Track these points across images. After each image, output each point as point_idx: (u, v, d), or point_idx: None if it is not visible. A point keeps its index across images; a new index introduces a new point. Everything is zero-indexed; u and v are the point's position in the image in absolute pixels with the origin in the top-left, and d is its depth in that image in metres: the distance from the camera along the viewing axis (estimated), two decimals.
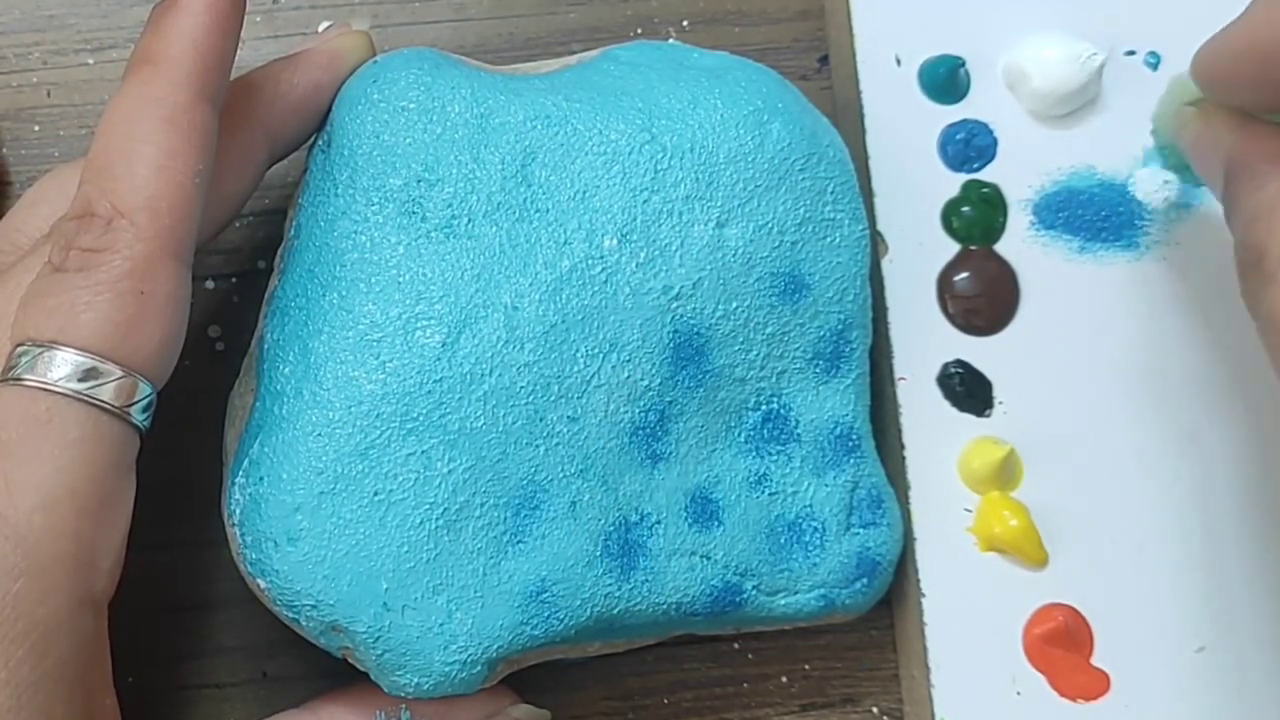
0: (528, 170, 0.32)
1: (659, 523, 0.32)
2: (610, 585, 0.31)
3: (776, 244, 0.33)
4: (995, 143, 0.37)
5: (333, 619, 0.30)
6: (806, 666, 0.37)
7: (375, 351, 0.31)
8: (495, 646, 0.31)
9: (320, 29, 0.38)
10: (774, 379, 0.33)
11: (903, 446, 0.36)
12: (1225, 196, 0.29)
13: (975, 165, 0.37)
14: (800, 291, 0.33)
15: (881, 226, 0.37)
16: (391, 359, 0.31)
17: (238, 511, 0.31)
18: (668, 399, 0.32)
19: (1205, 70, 0.30)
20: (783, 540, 0.33)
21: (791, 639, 0.37)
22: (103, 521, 0.27)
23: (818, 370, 0.33)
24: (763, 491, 0.33)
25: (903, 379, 0.36)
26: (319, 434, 0.30)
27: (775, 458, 0.33)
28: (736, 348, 0.32)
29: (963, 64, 0.37)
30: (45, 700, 0.26)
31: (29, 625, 0.26)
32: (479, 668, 0.31)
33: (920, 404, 0.36)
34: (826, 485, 0.33)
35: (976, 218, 0.37)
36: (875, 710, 0.37)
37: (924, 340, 0.36)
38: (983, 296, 0.36)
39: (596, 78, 0.33)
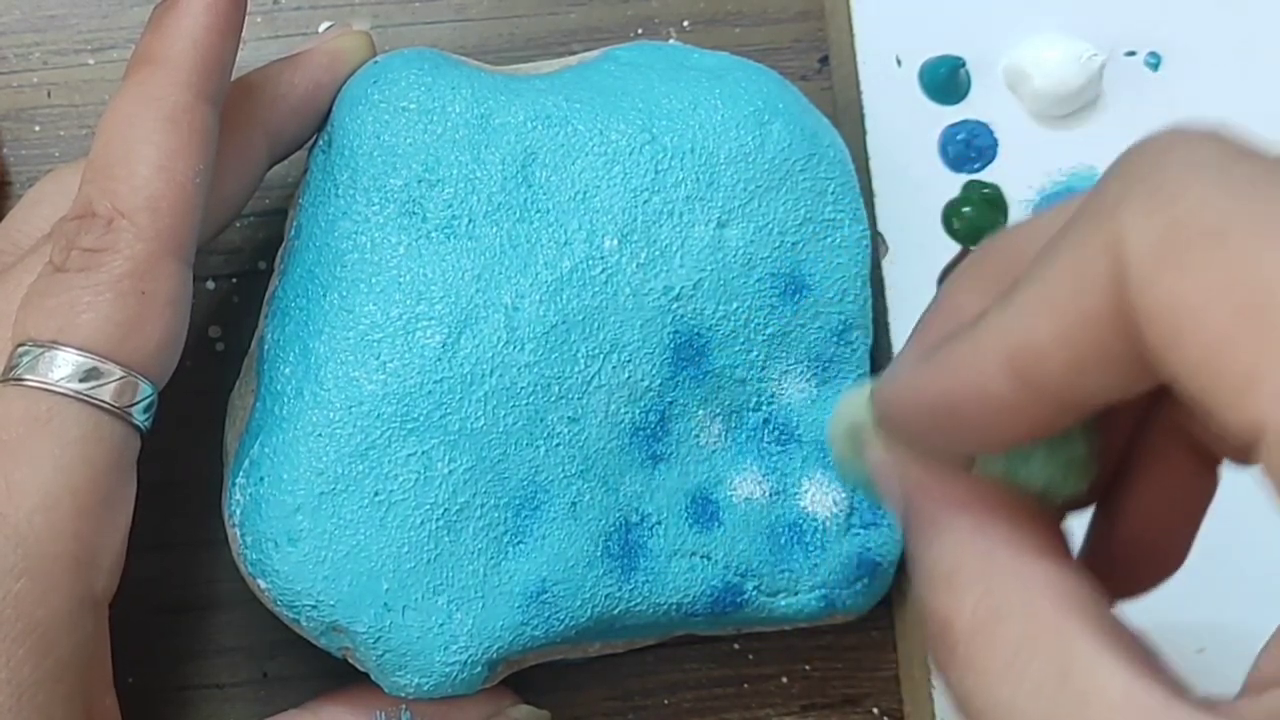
0: (528, 171, 0.32)
1: (659, 523, 0.32)
2: (611, 586, 0.31)
3: (777, 244, 0.33)
4: (996, 143, 0.37)
5: (333, 619, 0.30)
6: (807, 667, 0.37)
7: (376, 352, 0.31)
8: (496, 647, 0.31)
9: (321, 29, 0.38)
10: (775, 380, 0.33)
11: None
12: (906, 539, 0.25)
13: (976, 166, 0.37)
14: (801, 292, 0.33)
15: (882, 227, 0.37)
16: (392, 359, 0.31)
17: (238, 512, 0.31)
18: (668, 399, 0.32)
19: (890, 417, 0.26)
20: (783, 541, 0.33)
21: (792, 639, 0.36)
22: (103, 521, 0.27)
23: (818, 371, 0.33)
24: (764, 492, 0.33)
25: None
26: (319, 434, 0.30)
27: (776, 458, 0.33)
28: (737, 348, 0.32)
29: (963, 64, 0.37)
30: (45, 700, 0.26)
31: (29, 625, 0.26)
32: (479, 668, 0.31)
33: None
34: (827, 486, 0.33)
35: (977, 218, 0.37)
36: (875, 710, 0.37)
37: None
38: None
39: (597, 78, 0.33)
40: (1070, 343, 0.20)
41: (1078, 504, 0.27)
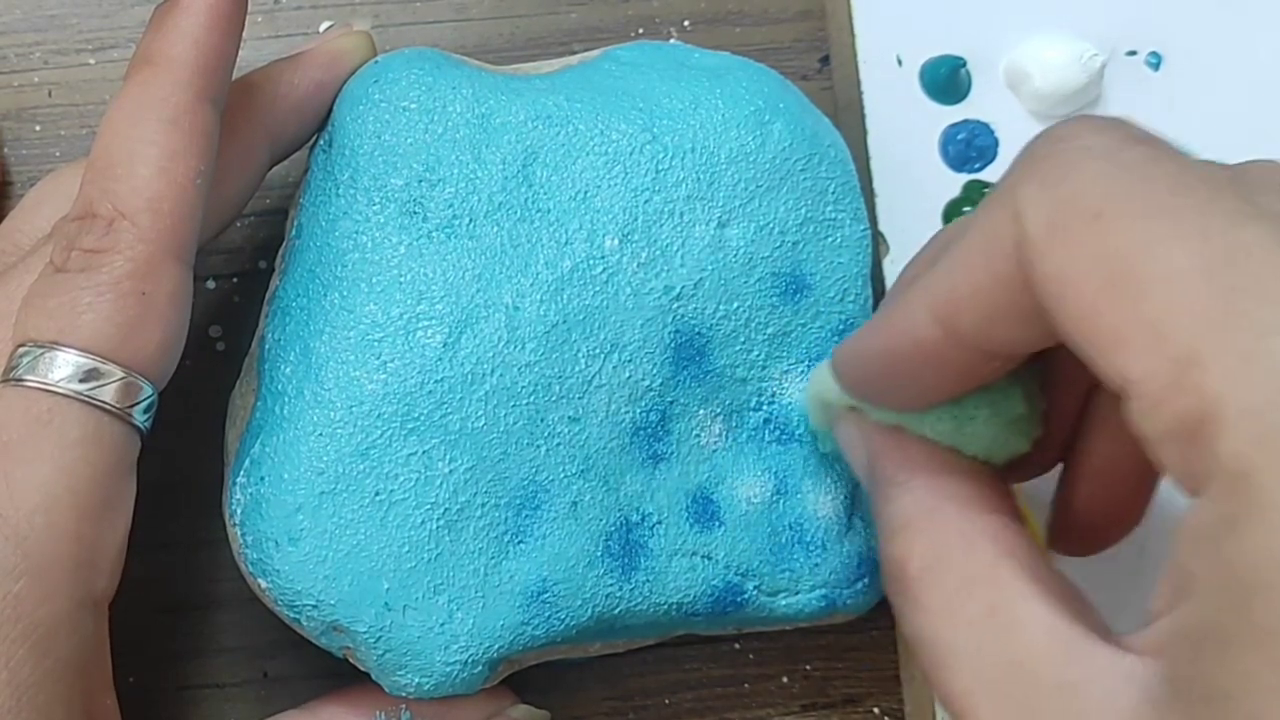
0: (529, 170, 0.32)
1: (660, 523, 0.32)
2: (611, 585, 0.31)
3: (778, 244, 0.33)
4: (996, 143, 0.37)
5: (334, 619, 0.30)
6: (807, 667, 0.37)
7: (376, 351, 0.31)
8: (496, 646, 0.31)
9: (322, 29, 0.38)
10: (775, 379, 0.33)
11: None
12: (869, 496, 0.29)
13: (976, 165, 0.37)
14: (801, 292, 0.33)
15: (883, 227, 0.37)
16: (393, 359, 0.31)
17: (239, 511, 0.31)
18: (669, 399, 0.32)
19: (845, 375, 0.29)
20: (784, 540, 0.33)
21: (793, 639, 0.37)
22: (103, 522, 0.27)
23: None
24: (764, 492, 0.33)
25: None
26: (320, 434, 0.30)
27: (777, 458, 0.33)
28: (738, 348, 0.33)
29: (964, 64, 0.37)
30: (46, 700, 0.26)
31: (29, 625, 0.26)
32: (480, 668, 0.31)
33: None
34: (828, 485, 0.33)
35: None
36: (876, 710, 0.37)
37: None
38: None
39: (598, 78, 0.33)
40: (982, 298, 0.24)
41: (1028, 471, 0.30)
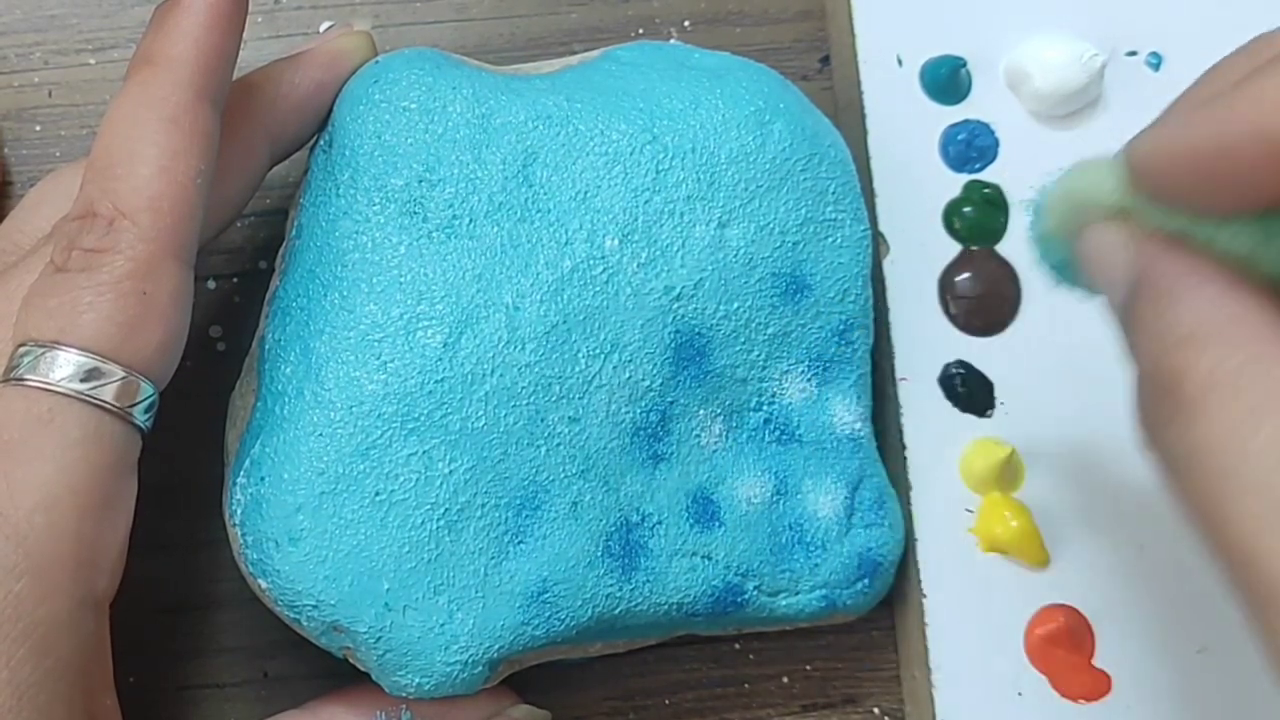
0: (529, 170, 0.32)
1: (660, 523, 0.32)
2: (612, 585, 0.31)
3: (778, 244, 0.33)
4: (996, 143, 0.37)
5: (334, 619, 0.30)
6: (808, 667, 0.37)
7: (377, 352, 0.31)
8: (496, 647, 0.31)
9: (322, 29, 0.38)
10: (776, 379, 0.33)
11: (904, 447, 0.36)
12: (1128, 313, 0.26)
13: (977, 166, 0.37)
14: (802, 292, 0.33)
15: (883, 227, 0.37)
16: (393, 359, 0.31)
17: (239, 511, 0.31)
18: (669, 399, 0.32)
19: (1150, 166, 0.25)
20: (784, 540, 0.33)
21: (793, 639, 0.36)
22: (104, 521, 0.27)
23: (819, 371, 0.33)
24: (764, 492, 0.33)
25: (904, 379, 0.36)
26: (320, 434, 0.30)
27: (777, 458, 0.33)
28: (738, 348, 0.33)
29: (964, 64, 0.37)
30: (46, 700, 0.26)
31: (30, 625, 0.26)
32: (480, 668, 0.31)
33: (921, 404, 0.36)
34: (828, 486, 0.33)
35: (978, 218, 0.37)
36: (876, 711, 0.37)
37: (925, 341, 0.36)
38: (984, 297, 0.36)
39: (598, 78, 0.33)
40: None
41: None
